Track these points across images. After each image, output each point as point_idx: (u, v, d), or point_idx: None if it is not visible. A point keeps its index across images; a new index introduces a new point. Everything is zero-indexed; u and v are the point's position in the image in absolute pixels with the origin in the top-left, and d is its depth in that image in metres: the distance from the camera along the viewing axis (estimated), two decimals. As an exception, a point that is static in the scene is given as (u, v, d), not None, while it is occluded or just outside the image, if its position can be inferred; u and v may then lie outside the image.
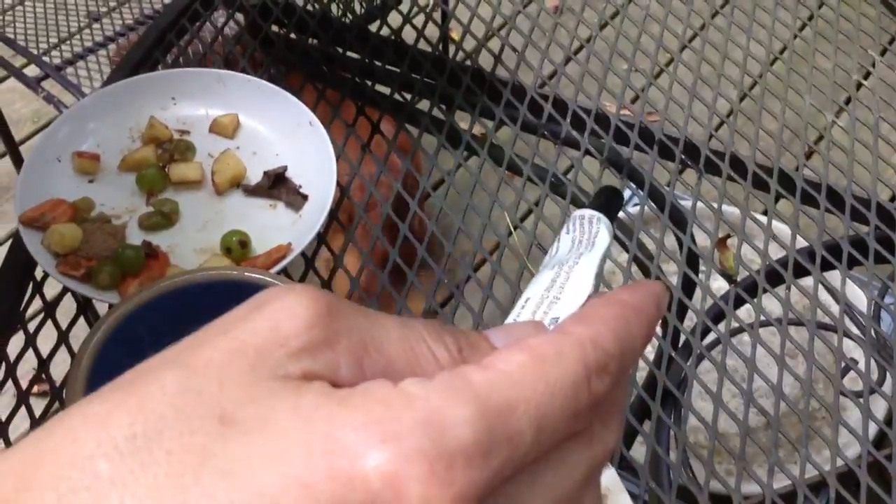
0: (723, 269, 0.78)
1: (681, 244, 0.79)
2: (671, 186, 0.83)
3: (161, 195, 0.77)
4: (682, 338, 0.75)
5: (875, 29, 1.01)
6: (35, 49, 1.73)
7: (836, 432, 0.68)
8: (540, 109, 0.89)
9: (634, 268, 0.81)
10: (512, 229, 0.81)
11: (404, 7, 1.05)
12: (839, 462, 0.67)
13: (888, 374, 0.79)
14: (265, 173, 0.78)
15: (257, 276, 0.63)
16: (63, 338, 0.71)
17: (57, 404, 0.68)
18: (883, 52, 1.00)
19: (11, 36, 1.76)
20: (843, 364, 0.73)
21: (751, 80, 0.95)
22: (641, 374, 0.85)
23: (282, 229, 0.75)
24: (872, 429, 0.73)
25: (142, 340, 0.62)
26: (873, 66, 0.98)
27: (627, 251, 0.78)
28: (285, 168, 0.78)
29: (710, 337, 0.77)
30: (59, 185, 0.76)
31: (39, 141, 0.77)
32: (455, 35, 0.99)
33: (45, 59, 1.70)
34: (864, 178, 0.85)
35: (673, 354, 0.71)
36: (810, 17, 1.06)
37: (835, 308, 0.76)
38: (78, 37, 1.77)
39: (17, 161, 1.72)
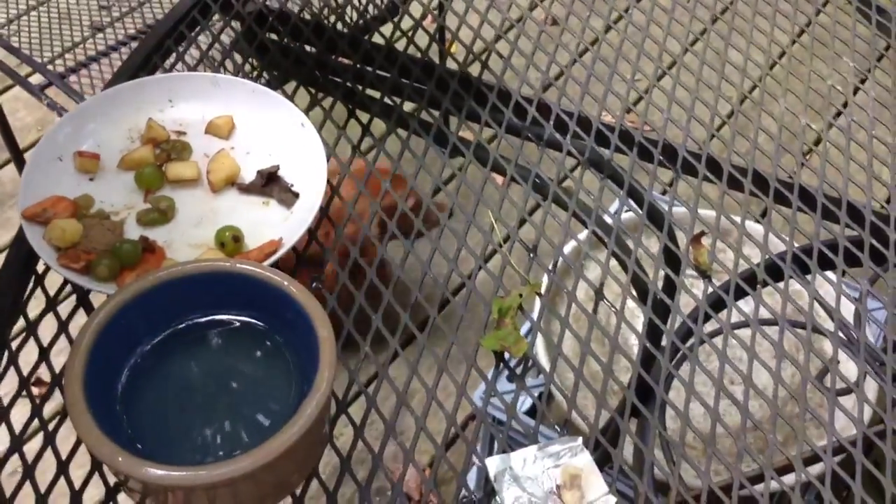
0: (697, 265, 0.81)
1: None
2: (649, 186, 0.86)
3: (158, 193, 0.80)
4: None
5: (852, 40, 1.05)
6: (39, 58, 1.76)
7: (803, 419, 0.71)
8: (525, 113, 0.93)
9: (614, 263, 0.84)
10: (501, 242, 0.84)
11: (398, 17, 1.08)
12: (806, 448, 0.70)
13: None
14: (258, 172, 0.81)
15: (248, 268, 0.67)
16: (63, 328, 0.74)
17: (57, 390, 0.71)
18: (869, 70, 1.03)
19: (17, 45, 1.80)
20: (816, 359, 0.76)
21: (735, 91, 0.98)
22: (628, 376, 0.88)
23: (274, 225, 0.78)
24: (844, 422, 0.76)
25: (138, 328, 0.66)
26: (863, 82, 1.01)
27: (606, 247, 0.81)
28: (278, 167, 0.82)
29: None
30: (61, 182, 0.79)
31: (42, 141, 0.80)
32: (453, 48, 1.03)
33: (50, 67, 1.73)
34: (850, 184, 0.88)
35: (648, 345, 0.74)
36: (800, 34, 1.09)
37: (819, 310, 0.79)
38: (81, 46, 1.81)
39: (22, 168, 1.75)
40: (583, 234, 0.88)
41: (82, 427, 0.58)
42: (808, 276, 0.81)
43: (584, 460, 0.66)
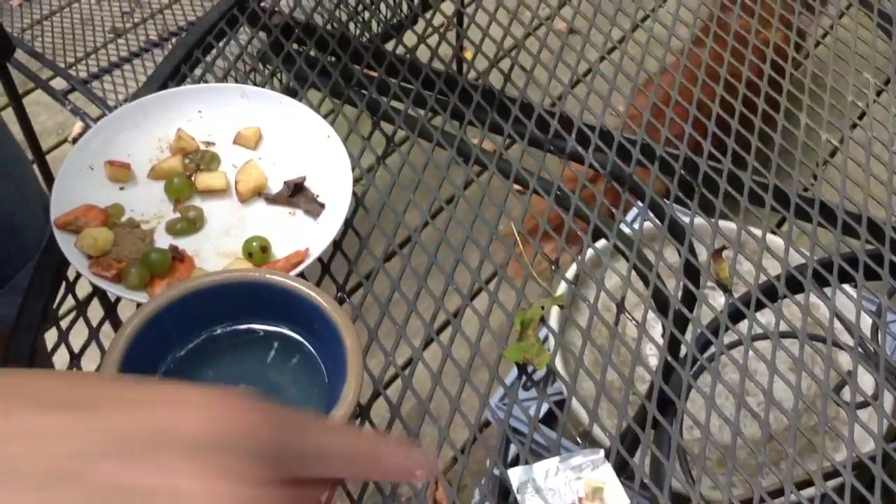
0: (718, 279, 0.81)
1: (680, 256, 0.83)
2: (670, 200, 0.87)
3: (187, 202, 0.82)
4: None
5: (873, 57, 1.05)
6: (62, 62, 1.79)
7: (823, 434, 0.72)
8: (547, 126, 0.94)
9: (636, 278, 0.85)
10: (520, 245, 0.85)
11: (419, 27, 1.09)
12: (826, 463, 0.70)
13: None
14: (285, 183, 0.83)
15: (276, 278, 0.68)
16: (94, 335, 0.76)
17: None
18: (887, 82, 1.04)
19: (39, 49, 1.82)
20: (832, 372, 0.77)
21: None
22: (642, 386, 0.89)
23: (300, 235, 0.79)
24: (859, 434, 0.77)
25: (169, 336, 0.67)
26: (879, 94, 1.01)
27: (627, 260, 0.82)
28: (304, 178, 0.83)
29: (713, 349, 0.80)
30: (92, 191, 0.81)
31: (73, 150, 0.82)
32: (468, 55, 1.04)
33: (71, 71, 1.75)
34: (859, 196, 0.89)
35: (669, 359, 0.75)
36: (816, 45, 1.10)
37: (836, 323, 0.79)
38: (103, 51, 1.83)
39: (44, 172, 1.77)
40: (600, 244, 0.89)
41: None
42: (827, 290, 0.82)
43: (605, 473, 0.67)
